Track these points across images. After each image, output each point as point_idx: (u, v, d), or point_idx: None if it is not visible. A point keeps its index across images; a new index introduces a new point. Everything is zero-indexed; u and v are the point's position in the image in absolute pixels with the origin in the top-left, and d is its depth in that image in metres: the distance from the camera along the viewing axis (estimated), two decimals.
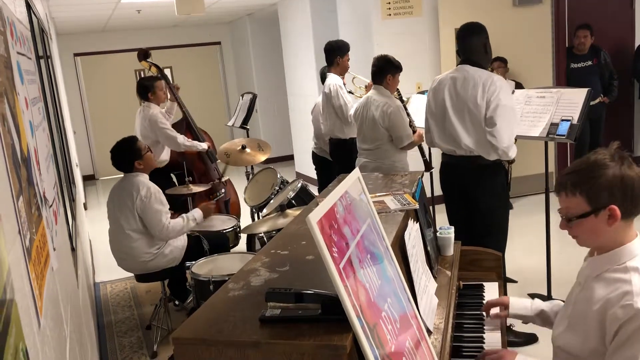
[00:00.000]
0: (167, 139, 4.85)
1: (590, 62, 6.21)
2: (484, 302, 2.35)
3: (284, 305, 1.31)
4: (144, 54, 5.34)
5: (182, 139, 4.89)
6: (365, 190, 1.61)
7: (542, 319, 1.94)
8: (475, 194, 3.34)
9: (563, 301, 3.70)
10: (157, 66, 5.37)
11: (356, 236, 1.41)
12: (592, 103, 5.57)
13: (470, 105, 3.19)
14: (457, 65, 3.38)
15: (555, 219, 4.00)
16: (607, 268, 1.58)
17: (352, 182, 1.55)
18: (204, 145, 5.09)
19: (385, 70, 3.98)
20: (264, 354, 1.23)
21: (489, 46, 3.32)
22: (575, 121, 3.36)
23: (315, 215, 1.22)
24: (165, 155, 5.00)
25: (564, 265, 4.03)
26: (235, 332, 1.29)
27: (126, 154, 3.61)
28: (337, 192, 1.41)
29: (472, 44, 3.29)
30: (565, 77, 6.19)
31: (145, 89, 4.93)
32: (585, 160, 1.60)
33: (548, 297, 3.73)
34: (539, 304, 1.97)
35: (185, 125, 5.28)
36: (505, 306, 2.03)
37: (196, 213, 3.75)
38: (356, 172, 1.60)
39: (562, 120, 3.43)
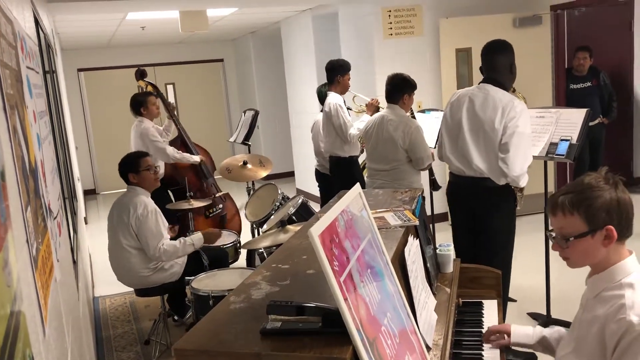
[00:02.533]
0: (157, 151, 4.93)
1: (589, 83, 6.27)
2: (483, 319, 2.36)
3: (285, 318, 1.33)
4: (140, 74, 5.48)
5: (171, 150, 4.98)
6: (366, 206, 1.63)
7: (544, 346, 1.94)
8: (483, 216, 3.25)
9: (562, 322, 3.69)
10: (153, 85, 5.49)
11: (357, 251, 1.43)
12: (591, 124, 5.62)
13: (486, 127, 3.09)
14: (479, 83, 3.26)
15: None
16: (604, 287, 1.60)
17: (353, 198, 1.57)
18: (195, 158, 5.17)
19: (402, 89, 3.90)
20: None
21: (514, 66, 3.21)
22: (574, 141, 3.39)
23: (317, 229, 1.24)
24: (159, 170, 5.04)
25: (563, 285, 4.04)
26: (236, 344, 1.31)
27: (124, 164, 3.66)
28: (339, 207, 1.43)
29: (498, 63, 3.17)
30: (565, 98, 6.24)
31: (138, 104, 5.04)
32: (580, 182, 1.62)
33: (547, 317, 3.73)
34: (540, 330, 1.97)
35: (180, 142, 5.37)
36: (506, 334, 2.02)
37: (196, 238, 3.66)
38: (357, 188, 1.63)
39: (562, 140, 3.45)
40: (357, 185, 1.63)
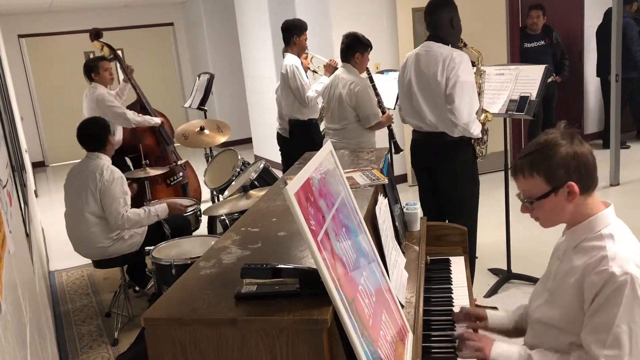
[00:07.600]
0: (116, 117, 4.72)
1: (542, 42, 6.33)
2: (452, 276, 2.37)
3: (261, 282, 1.28)
4: (95, 34, 5.17)
5: (131, 114, 4.79)
6: (338, 164, 1.58)
7: (518, 331, 1.89)
8: (441, 171, 3.31)
9: (523, 276, 3.73)
10: (109, 46, 5.20)
11: (331, 209, 1.38)
12: None
13: (431, 82, 3.16)
14: (423, 42, 3.31)
15: (514, 195, 4.02)
16: (583, 238, 1.60)
17: (325, 156, 1.51)
18: (156, 120, 5.00)
19: (353, 48, 3.88)
20: (242, 332, 1.19)
21: (456, 21, 3.24)
22: (533, 97, 3.42)
23: (293, 187, 1.18)
24: (118, 136, 4.86)
25: (523, 241, 4.12)
26: (210, 310, 1.25)
27: (103, 128, 3.54)
28: (312, 165, 1.37)
29: (438, 20, 3.21)
30: (519, 57, 6.29)
31: (90, 70, 4.80)
32: (537, 141, 1.62)
33: (508, 272, 3.81)
34: (512, 316, 1.91)
35: (139, 107, 5.15)
36: (479, 318, 1.92)
37: (160, 208, 3.57)
38: (328, 146, 1.57)
39: (521, 96, 3.47)
40: (329, 143, 1.57)
